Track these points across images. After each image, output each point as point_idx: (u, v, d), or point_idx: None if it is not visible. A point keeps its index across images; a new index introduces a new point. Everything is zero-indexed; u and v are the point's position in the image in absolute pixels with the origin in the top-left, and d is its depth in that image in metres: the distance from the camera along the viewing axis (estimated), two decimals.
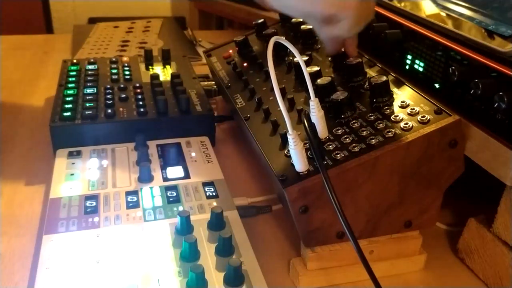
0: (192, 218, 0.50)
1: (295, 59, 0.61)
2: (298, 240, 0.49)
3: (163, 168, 0.61)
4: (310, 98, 0.47)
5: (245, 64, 0.71)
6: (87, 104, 0.70)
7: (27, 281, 0.48)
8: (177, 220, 0.49)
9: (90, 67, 0.84)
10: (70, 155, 0.63)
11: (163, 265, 0.45)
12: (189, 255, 0.46)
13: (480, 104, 0.45)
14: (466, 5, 0.54)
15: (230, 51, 0.76)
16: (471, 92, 0.45)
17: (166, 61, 0.88)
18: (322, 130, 0.48)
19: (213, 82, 0.85)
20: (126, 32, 1.29)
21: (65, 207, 0.53)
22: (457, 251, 0.54)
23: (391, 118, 0.48)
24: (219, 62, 0.76)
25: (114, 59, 0.87)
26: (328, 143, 0.48)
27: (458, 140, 0.46)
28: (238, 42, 0.74)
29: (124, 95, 0.73)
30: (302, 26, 0.69)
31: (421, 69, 0.53)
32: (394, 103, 0.50)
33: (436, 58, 0.51)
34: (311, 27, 0.68)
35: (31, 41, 1.22)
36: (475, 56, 0.46)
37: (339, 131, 0.49)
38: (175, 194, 0.56)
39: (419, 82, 0.53)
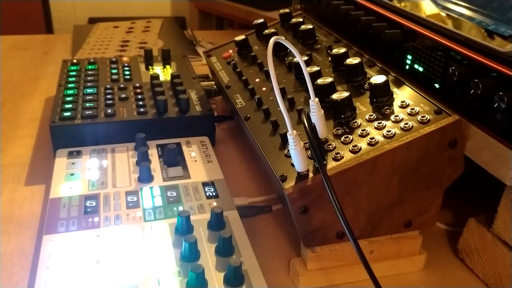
0: (192, 218, 0.50)
1: (295, 59, 0.61)
2: (298, 240, 0.49)
3: (163, 168, 0.61)
4: (310, 98, 0.47)
5: (245, 64, 0.71)
6: (87, 104, 0.70)
7: (27, 281, 0.48)
8: (176, 220, 0.49)
9: (90, 67, 0.84)
10: (70, 155, 0.63)
11: (163, 265, 0.45)
12: (189, 255, 0.46)
13: (480, 104, 0.45)
14: (466, 5, 0.54)
15: (230, 51, 0.76)
16: (471, 92, 0.45)
17: (166, 61, 0.88)
18: (322, 130, 0.48)
19: (213, 82, 0.85)
20: (126, 32, 1.29)
21: (65, 207, 0.53)
22: (457, 251, 0.54)
23: (391, 118, 0.48)
24: (219, 62, 0.76)
25: (114, 59, 0.87)
26: (328, 143, 0.48)
27: (458, 140, 0.46)
28: (238, 42, 0.74)
29: (124, 95, 0.73)
30: (302, 26, 0.69)
31: (421, 69, 0.53)
32: (394, 103, 0.50)
33: (436, 58, 0.51)
34: (311, 27, 0.68)
35: (31, 41, 1.22)
36: (475, 56, 0.46)
37: (339, 131, 0.49)
38: (175, 194, 0.56)
39: (419, 82, 0.52)
